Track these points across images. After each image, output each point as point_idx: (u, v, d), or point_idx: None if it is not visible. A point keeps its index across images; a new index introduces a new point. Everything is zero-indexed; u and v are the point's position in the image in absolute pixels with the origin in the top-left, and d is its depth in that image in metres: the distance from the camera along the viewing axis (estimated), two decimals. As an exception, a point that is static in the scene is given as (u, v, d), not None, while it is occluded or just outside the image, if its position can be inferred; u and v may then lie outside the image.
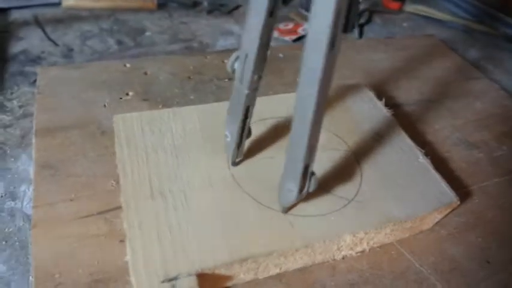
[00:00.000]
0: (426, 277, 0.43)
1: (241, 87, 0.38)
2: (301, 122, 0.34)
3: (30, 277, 0.41)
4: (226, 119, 0.41)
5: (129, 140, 0.45)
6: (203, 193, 0.41)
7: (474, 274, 0.44)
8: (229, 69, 0.39)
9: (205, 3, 0.86)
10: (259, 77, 0.38)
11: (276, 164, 0.45)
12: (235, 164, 0.44)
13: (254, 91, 0.39)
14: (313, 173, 0.38)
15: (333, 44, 0.30)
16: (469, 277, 0.44)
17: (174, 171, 0.43)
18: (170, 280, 0.34)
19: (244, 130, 0.41)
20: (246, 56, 0.36)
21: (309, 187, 0.38)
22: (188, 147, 0.45)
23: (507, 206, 0.51)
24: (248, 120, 0.41)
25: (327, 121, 0.50)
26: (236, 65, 0.38)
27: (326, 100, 0.34)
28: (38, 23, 0.76)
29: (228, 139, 0.42)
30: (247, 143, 0.44)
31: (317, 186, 0.38)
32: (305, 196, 0.40)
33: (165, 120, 0.48)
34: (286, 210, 0.41)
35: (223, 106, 0.50)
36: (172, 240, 0.37)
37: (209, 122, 0.48)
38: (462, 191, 0.51)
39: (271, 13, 0.34)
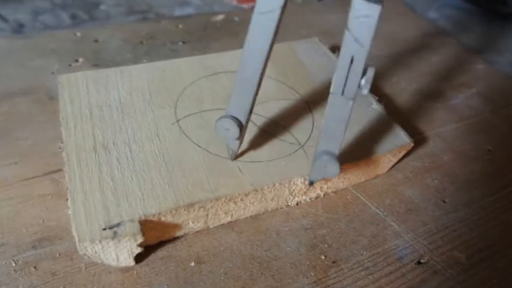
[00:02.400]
0: (382, 218, 0.43)
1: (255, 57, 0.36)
2: (329, 116, 0.35)
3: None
4: (230, 102, 0.37)
5: (73, 98, 0.43)
6: (149, 145, 0.40)
7: (430, 213, 0.44)
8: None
9: (162, -24, 0.84)
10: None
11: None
12: (233, 158, 0.40)
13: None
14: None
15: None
16: (426, 216, 0.44)
17: (118, 125, 0.41)
18: (112, 227, 0.33)
19: (247, 122, 0.38)
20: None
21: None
22: (134, 103, 0.44)
23: (462, 149, 0.51)
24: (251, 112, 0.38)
25: (279, 73, 0.50)
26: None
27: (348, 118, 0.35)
28: (-14, 0, 0.73)
29: (227, 133, 0.37)
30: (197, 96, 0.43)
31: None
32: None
33: (112, 78, 0.46)
34: (311, 183, 0.38)
35: (172, 63, 0.49)
36: (115, 189, 0.36)
37: (157, 78, 0.47)
38: (418, 137, 0.51)
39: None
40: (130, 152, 0.39)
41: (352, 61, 0.31)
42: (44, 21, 0.70)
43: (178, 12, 0.75)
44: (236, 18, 0.68)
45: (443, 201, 0.45)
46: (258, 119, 0.44)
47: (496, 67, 0.68)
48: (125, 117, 0.42)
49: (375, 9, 0.29)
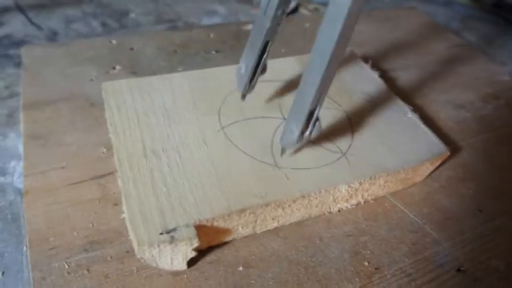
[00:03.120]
0: (421, 227, 0.43)
1: (263, 20, 0.38)
2: (317, 61, 0.34)
3: (24, 247, 0.40)
4: (244, 51, 0.41)
5: (119, 105, 0.45)
6: (197, 151, 0.41)
7: (467, 222, 0.45)
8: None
9: (188, -14, 0.86)
10: (283, 12, 0.38)
11: (270, 123, 0.45)
12: (244, 97, 0.44)
13: (276, 26, 0.39)
14: (317, 119, 0.38)
15: None
16: (463, 225, 0.44)
17: (166, 132, 0.42)
18: (169, 232, 0.34)
19: (259, 65, 0.41)
20: None
21: (311, 132, 0.38)
22: (179, 109, 0.45)
23: (495, 160, 0.52)
24: (265, 55, 0.41)
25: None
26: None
27: (347, 43, 0.34)
28: (19, 8, 0.75)
29: (242, 71, 0.42)
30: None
31: (319, 133, 0.38)
32: (304, 144, 0.40)
33: (155, 85, 0.47)
34: (284, 151, 0.41)
35: (211, 72, 0.50)
36: (169, 195, 0.37)
37: (199, 86, 0.48)
38: (451, 146, 0.52)
39: None
40: (179, 158, 0.40)
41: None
42: (77, 29, 0.72)
43: (205, 21, 0.77)
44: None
45: (480, 211, 0.46)
46: (300, 128, 0.45)
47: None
48: (171, 124, 0.43)
49: None
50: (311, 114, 0.37)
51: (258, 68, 0.42)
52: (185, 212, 0.36)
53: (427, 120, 0.55)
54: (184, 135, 0.42)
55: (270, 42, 0.40)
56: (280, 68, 0.52)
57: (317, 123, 0.38)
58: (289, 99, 0.48)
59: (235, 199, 0.37)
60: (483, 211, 0.46)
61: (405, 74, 0.64)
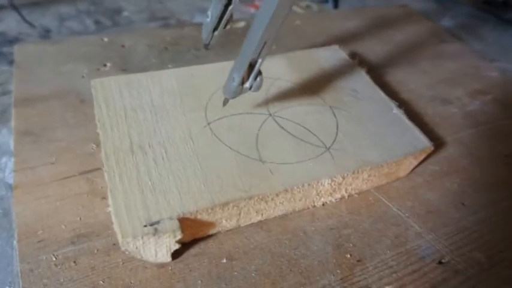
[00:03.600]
0: (404, 220, 0.44)
1: None
2: (262, 14, 0.36)
3: (14, 241, 0.41)
4: (212, 1, 0.42)
5: (107, 101, 0.45)
6: (183, 146, 0.42)
7: (450, 215, 0.45)
8: None
9: (182, -17, 0.86)
10: None
11: (255, 119, 0.46)
12: (207, 47, 0.45)
13: None
14: (260, 73, 0.40)
15: None
16: (446, 218, 0.45)
17: (153, 127, 0.43)
18: (152, 224, 0.35)
19: (223, 15, 0.42)
20: None
21: (252, 85, 0.40)
22: (167, 106, 0.46)
23: (480, 154, 0.53)
24: (231, 6, 0.42)
25: (302, 79, 0.52)
26: None
27: (290, 5, 0.36)
28: (13, 6, 0.76)
29: (208, 20, 0.43)
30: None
31: (259, 88, 0.40)
32: (246, 90, 0.41)
33: (143, 82, 0.48)
34: (225, 103, 0.43)
35: (199, 69, 0.51)
36: (154, 188, 0.38)
37: (187, 82, 0.49)
38: (437, 142, 0.53)
39: None
40: (165, 153, 0.41)
41: None
42: (70, 26, 0.73)
43: (198, 18, 0.78)
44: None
45: (463, 204, 0.47)
46: (286, 123, 0.46)
47: (509, 75, 0.70)
48: (158, 120, 0.44)
49: None
50: (252, 65, 0.39)
51: (223, 18, 0.43)
52: (169, 205, 0.36)
53: (414, 115, 0.56)
54: (171, 131, 0.43)
55: None
56: (267, 65, 0.52)
57: (258, 77, 0.40)
58: (275, 95, 0.49)
59: (218, 192, 0.38)
60: (466, 204, 0.47)
61: (393, 70, 0.64)
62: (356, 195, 0.46)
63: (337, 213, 0.44)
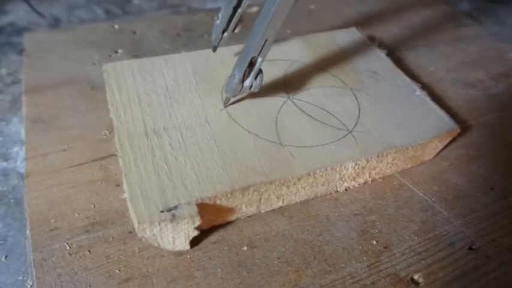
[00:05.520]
0: (431, 205, 0.42)
1: None
2: (263, 14, 0.36)
3: (27, 231, 0.40)
4: (223, 4, 0.43)
5: (120, 85, 0.44)
6: (199, 130, 0.40)
7: (479, 200, 0.43)
8: None
9: (192, -29, 0.84)
10: None
11: (274, 101, 0.44)
12: (215, 49, 0.45)
13: None
14: (260, 72, 0.39)
15: None
16: (474, 203, 0.43)
17: (168, 111, 0.42)
18: (170, 209, 0.34)
19: (233, 18, 0.43)
20: None
21: (252, 83, 0.40)
22: (181, 90, 0.44)
23: (506, 139, 0.51)
24: (240, 9, 0.42)
25: (322, 61, 0.50)
26: None
27: (290, 5, 0.36)
28: (21, -5, 0.74)
29: (218, 22, 0.44)
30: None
31: (261, 86, 0.40)
32: (247, 89, 0.40)
33: (156, 66, 0.46)
34: (227, 101, 0.42)
35: (213, 53, 0.49)
36: (170, 173, 0.36)
37: (201, 66, 0.47)
38: (461, 125, 0.50)
39: None
40: (181, 136, 0.39)
41: None
42: (80, 16, 0.71)
43: (210, 5, 0.76)
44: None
45: (491, 189, 0.45)
46: (305, 106, 0.44)
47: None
48: (173, 104, 0.42)
49: None
50: (252, 63, 0.38)
51: (232, 20, 0.43)
52: (187, 190, 0.35)
53: (436, 98, 0.53)
54: (187, 115, 0.41)
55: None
56: (285, 49, 0.51)
57: (259, 76, 0.39)
58: (294, 78, 0.47)
59: (238, 177, 0.36)
60: (495, 189, 0.45)
61: (412, 53, 0.62)
62: (380, 180, 0.44)
63: (361, 198, 0.42)
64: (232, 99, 0.43)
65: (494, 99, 0.56)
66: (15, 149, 0.50)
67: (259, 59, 0.39)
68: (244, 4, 0.42)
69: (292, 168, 0.38)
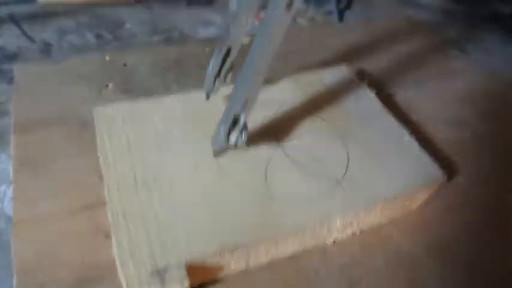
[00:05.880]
0: (417, 256, 0.43)
1: (230, 27, 0.41)
2: (243, 75, 0.37)
3: (14, 280, 0.40)
4: (214, 52, 0.43)
5: (110, 131, 0.44)
6: (189, 181, 0.40)
7: (463, 251, 0.44)
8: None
9: (184, -6, 0.85)
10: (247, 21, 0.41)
11: (263, 150, 0.44)
12: (208, 97, 0.45)
13: (239, 36, 0.42)
14: (245, 127, 0.40)
15: (290, 5, 0.33)
16: (460, 254, 0.44)
17: (158, 161, 0.42)
18: (159, 272, 0.34)
19: (223, 66, 0.43)
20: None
21: (237, 138, 0.40)
22: (171, 137, 0.44)
23: (490, 181, 0.51)
24: (229, 58, 0.43)
25: (312, 105, 0.50)
26: (232, 6, 0.41)
27: (270, 59, 0.37)
28: (13, 20, 0.74)
29: (210, 69, 0.44)
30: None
31: (246, 141, 0.40)
32: (232, 145, 0.40)
33: (147, 110, 0.46)
34: (216, 153, 0.42)
35: (203, 95, 0.49)
36: (159, 229, 0.36)
37: (191, 110, 0.47)
38: (448, 169, 0.51)
39: None
40: (171, 189, 0.39)
41: None
42: (70, 41, 0.71)
43: (201, 31, 0.76)
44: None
45: (476, 238, 0.45)
46: (295, 154, 0.44)
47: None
48: (163, 152, 0.42)
49: None
50: (236, 118, 0.39)
51: (223, 68, 0.44)
52: (176, 250, 0.35)
53: (425, 140, 0.54)
54: (177, 164, 0.42)
55: (232, 49, 0.42)
56: (275, 90, 0.51)
57: (244, 131, 0.40)
58: (283, 122, 0.48)
59: (227, 236, 0.37)
60: (479, 238, 0.45)
61: (402, 89, 0.62)
62: (368, 230, 0.44)
63: (349, 250, 0.42)
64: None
65: (480, 139, 0.57)
66: (3, 187, 0.49)
67: (242, 116, 0.39)
68: (233, 54, 0.43)
69: (281, 226, 0.38)
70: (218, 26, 0.76)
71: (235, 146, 0.40)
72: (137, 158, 0.42)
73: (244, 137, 0.40)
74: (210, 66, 0.44)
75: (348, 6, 0.52)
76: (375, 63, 0.67)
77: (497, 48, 0.79)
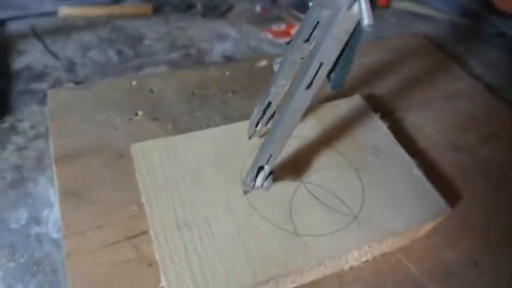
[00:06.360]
0: (423, 283, 0.48)
1: (273, 87, 0.46)
2: (270, 134, 0.43)
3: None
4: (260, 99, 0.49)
5: (149, 169, 0.48)
6: (224, 220, 0.45)
7: (464, 276, 0.50)
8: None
9: (199, 6, 0.87)
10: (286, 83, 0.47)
11: (287, 186, 0.49)
12: (250, 138, 0.52)
13: (279, 94, 0.47)
14: (271, 173, 0.45)
15: (310, 85, 0.39)
16: (461, 280, 0.49)
17: (195, 200, 0.46)
18: (203, 306, 0.39)
19: (263, 115, 0.49)
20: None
21: (263, 184, 0.45)
22: (204, 173, 0.49)
23: (491, 207, 0.57)
24: (270, 108, 0.48)
25: (328, 137, 0.55)
26: (275, 68, 0.47)
27: (293, 127, 0.43)
28: (36, 34, 0.77)
29: (253, 116, 0.50)
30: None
31: (269, 187, 0.46)
32: (258, 188, 0.46)
33: (180, 146, 0.51)
34: (245, 192, 0.48)
35: (231, 129, 0.54)
36: (201, 267, 0.41)
37: (221, 145, 0.52)
38: (451, 195, 0.56)
39: None
40: (209, 228, 0.44)
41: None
42: (93, 58, 0.74)
43: (218, 47, 0.79)
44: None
45: (475, 264, 0.51)
46: (316, 190, 0.49)
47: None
48: (198, 190, 0.47)
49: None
50: (260, 167, 0.44)
51: (263, 118, 0.49)
52: (215, 285, 0.40)
53: (431, 167, 0.59)
54: (212, 203, 0.46)
55: (273, 101, 0.48)
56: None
57: (269, 178, 0.45)
58: (303, 158, 0.52)
59: (260, 270, 0.42)
60: (479, 263, 0.51)
61: (409, 113, 0.67)
62: (380, 257, 0.50)
63: (363, 276, 0.48)
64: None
65: (482, 164, 0.62)
66: (45, 212, 0.54)
67: (266, 167, 0.44)
68: (273, 105, 0.48)
69: (306, 259, 0.43)
70: (233, 40, 0.79)
71: (261, 188, 0.46)
72: (176, 196, 0.46)
73: (269, 183, 0.45)
74: (254, 113, 0.49)
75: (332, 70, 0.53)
76: (384, 86, 0.71)
77: (499, 65, 0.84)
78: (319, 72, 0.38)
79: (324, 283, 0.47)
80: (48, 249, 0.51)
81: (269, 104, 0.48)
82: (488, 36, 0.92)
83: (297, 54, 0.44)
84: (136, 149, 0.50)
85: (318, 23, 0.41)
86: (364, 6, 0.33)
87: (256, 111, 0.49)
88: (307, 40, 0.43)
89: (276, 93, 0.47)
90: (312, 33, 0.42)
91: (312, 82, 0.39)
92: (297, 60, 0.44)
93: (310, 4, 0.40)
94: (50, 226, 0.53)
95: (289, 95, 0.40)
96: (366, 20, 0.32)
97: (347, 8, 0.34)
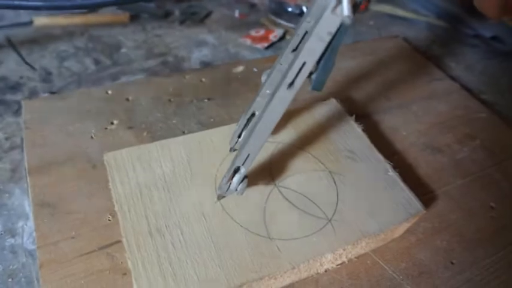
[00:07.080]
0: (399, 283, 0.49)
1: (258, 97, 0.47)
2: (246, 135, 0.43)
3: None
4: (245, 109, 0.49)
5: (122, 178, 0.48)
6: (197, 225, 0.45)
7: (441, 275, 0.50)
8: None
9: (177, 13, 0.87)
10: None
11: (261, 190, 0.49)
12: (231, 150, 0.51)
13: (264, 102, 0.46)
14: (246, 177, 0.45)
15: (291, 84, 0.39)
16: (437, 279, 0.49)
17: (167, 206, 0.46)
18: (175, 314, 0.39)
19: (247, 125, 0.48)
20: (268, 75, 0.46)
21: (237, 187, 0.45)
22: (178, 181, 0.49)
23: (468, 207, 0.57)
24: (253, 118, 0.48)
25: (303, 141, 0.55)
26: (263, 78, 0.47)
27: (271, 126, 0.42)
28: (11, 45, 0.76)
29: (236, 127, 0.49)
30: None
31: (243, 191, 0.46)
32: (232, 192, 0.45)
33: (154, 154, 0.51)
34: (220, 197, 0.48)
35: (206, 135, 0.54)
36: (175, 275, 0.41)
37: (195, 152, 0.52)
38: (428, 196, 0.57)
39: None
40: (181, 234, 0.44)
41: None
42: (70, 67, 0.74)
43: (196, 54, 0.79)
44: (255, 69, 0.72)
45: (451, 263, 0.51)
46: (289, 194, 0.49)
47: (497, 108, 0.74)
48: (172, 197, 0.47)
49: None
50: (236, 169, 0.44)
51: (247, 127, 0.49)
52: (189, 293, 0.40)
53: (407, 169, 0.59)
54: (185, 209, 0.46)
55: (256, 112, 0.47)
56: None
57: (243, 181, 0.45)
58: (278, 162, 0.52)
59: (233, 275, 0.42)
60: (454, 263, 0.51)
61: (388, 115, 0.67)
62: (355, 259, 0.50)
63: (338, 278, 0.48)
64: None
65: (459, 164, 0.62)
66: (20, 223, 0.53)
67: (242, 169, 0.44)
68: (257, 116, 0.47)
69: (280, 264, 0.43)
70: (211, 47, 0.79)
71: (235, 193, 0.45)
72: (149, 204, 0.46)
73: (243, 186, 0.45)
74: (238, 124, 0.49)
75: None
76: (361, 89, 0.71)
77: (477, 67, 0.85)
78: (302, 71, 0.38)
79: (299, 286, 0.47)
80: (23, 261, 0.50)
81: (253, 114, 0.47)
82: (466, 39, 0.93)
83: (284, 63, 0.45)
84: (109, 158, 0.50)
85: (306, 32, 0.42)
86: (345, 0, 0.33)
87: (240, 121, 0.49)
88: (295, 50, 0.43)
89: (261, 102, 0.46)
90: (300, 42, 0.43)
91: (293, 81, 0.38)
92: (284, 70, 0.44)
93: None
94: (25, 238, 0.52)
95: (270, 96, 0.40)
96: (346, 11, 0.33)
97: (331, 10, 0.34)
